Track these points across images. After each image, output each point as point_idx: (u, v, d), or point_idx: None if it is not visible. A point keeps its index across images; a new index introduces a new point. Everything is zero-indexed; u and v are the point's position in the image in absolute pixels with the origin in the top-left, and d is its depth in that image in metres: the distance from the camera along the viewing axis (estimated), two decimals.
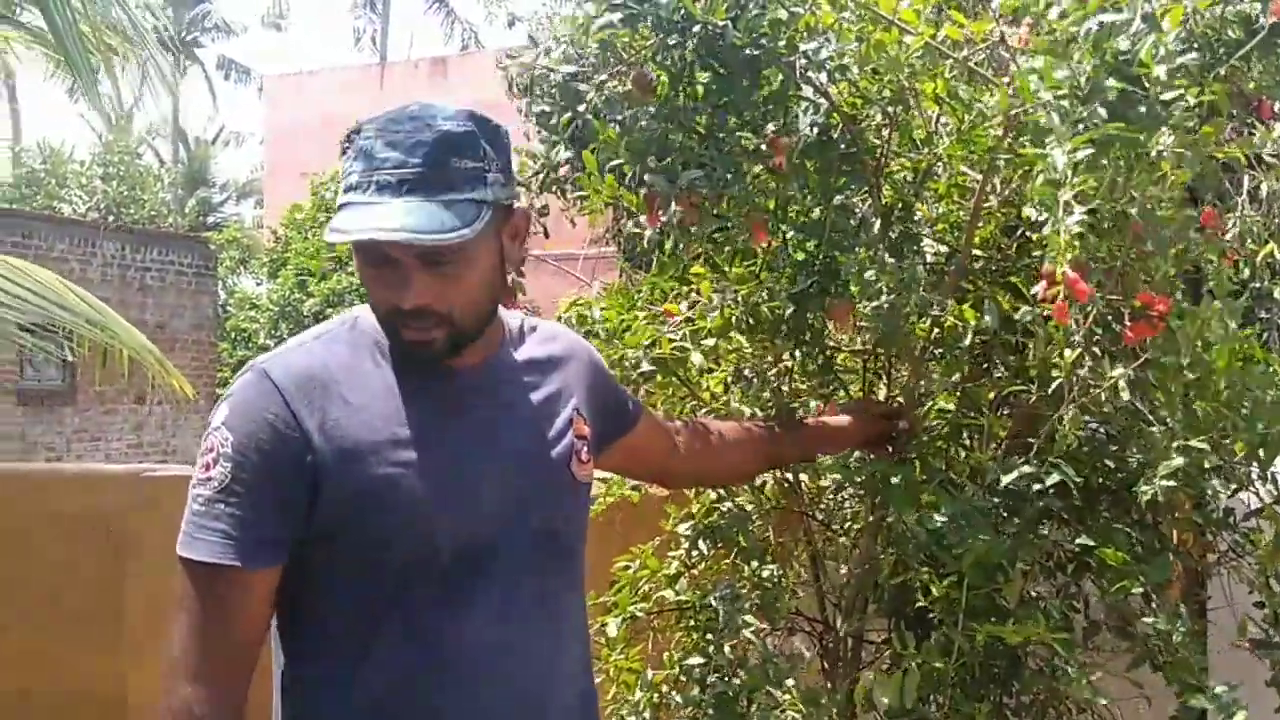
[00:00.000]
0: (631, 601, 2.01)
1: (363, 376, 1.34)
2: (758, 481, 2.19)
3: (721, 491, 2.11)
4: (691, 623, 1.99)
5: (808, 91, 1.87)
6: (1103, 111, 1.36)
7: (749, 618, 1.82)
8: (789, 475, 2.14)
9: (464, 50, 25.10)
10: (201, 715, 1.28)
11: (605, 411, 1.58)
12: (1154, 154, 1.38)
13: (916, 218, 2.06)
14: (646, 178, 1.71)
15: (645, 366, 2.06)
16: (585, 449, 1.48)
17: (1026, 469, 1.61)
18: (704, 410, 2.16)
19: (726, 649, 1.86)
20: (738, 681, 1.80)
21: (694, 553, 2.02)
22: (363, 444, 1.30)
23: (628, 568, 2.07)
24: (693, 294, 2.18)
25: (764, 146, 1.77)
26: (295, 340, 1.41)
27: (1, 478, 3.93)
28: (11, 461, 11.27)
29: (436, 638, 1.32)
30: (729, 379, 2.32)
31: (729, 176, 1.72)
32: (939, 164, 2.01)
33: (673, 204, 1.72)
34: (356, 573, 1.32)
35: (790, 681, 1.76)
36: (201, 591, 1.29)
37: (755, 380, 2.13)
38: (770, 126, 1.76)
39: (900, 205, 2.09)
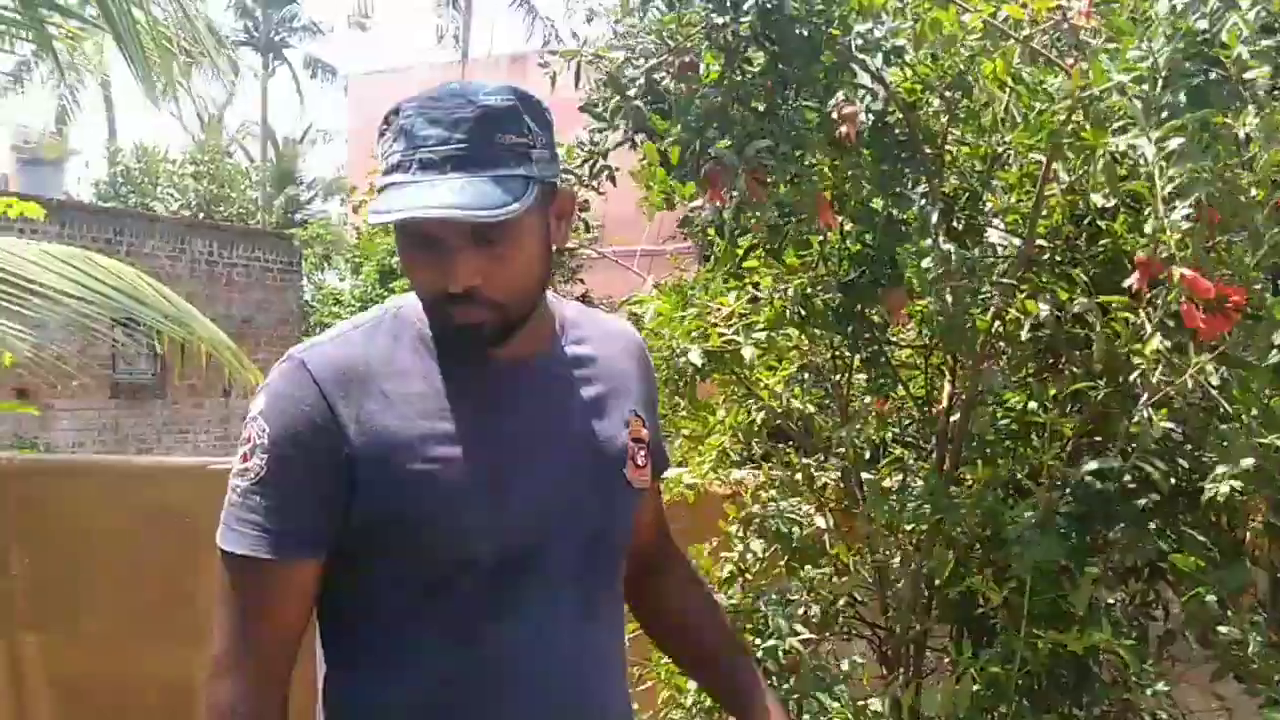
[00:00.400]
0: None
1: (403, 368, 1.30)
2: (819, 482, 2.13)
3: (774, 493, 2.05)
4: (748, 627, 1.94)
5: (864, 78, 1.80)
6: (1182, 97, 1.27)
7: (798, 625, 1.76)
8: (850, 476, 2.07)
9: (545, 46, 25.22)
10: (241, 711, 1.26)
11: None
12: (1242, 136, 1.29)
13: (986, 208, 1.98)
14: (711, 150, 1.63)
15: (695, 359, 2.01)
16: (643, 453, 1.40)
17: (1094, 464, 1.52)
18: (760, 408, 2.10)
19: (780, 654, 1.80)
20: (787, 687, 1.73)
21: (748, 554, 1.97)
22: (399, 437, 1.26)
23: None
24: (749, 287, 2.13)
25: (833, 116, 1.68)
26: (335, 329, 1.36)
27: (82, 470, 4.03)
28: (105, 453, 11.62)
29: (474, 642, 1.28)
30: (790, 376, 2.27)
31: (794, 152, 1.64)
32: (1009, 151, 1.94)
33: (738, 178, 1.64)
34: (393, 571, 1.29)
35: (841, 688, 1.70)
36: (238, 585, 1.27)
37: (811, 376, 2.06)
38: (840, 94, 1.67)
39: (967, 195, 2.01)
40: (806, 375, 2.21)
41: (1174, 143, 1.26)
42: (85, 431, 12.32)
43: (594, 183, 1.94)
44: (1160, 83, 1.29)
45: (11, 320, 3.86)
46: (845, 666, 1.83)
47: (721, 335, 2.03)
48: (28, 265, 3.97)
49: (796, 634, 1.75)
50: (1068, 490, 1.62)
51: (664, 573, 1.55)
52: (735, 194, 1.65)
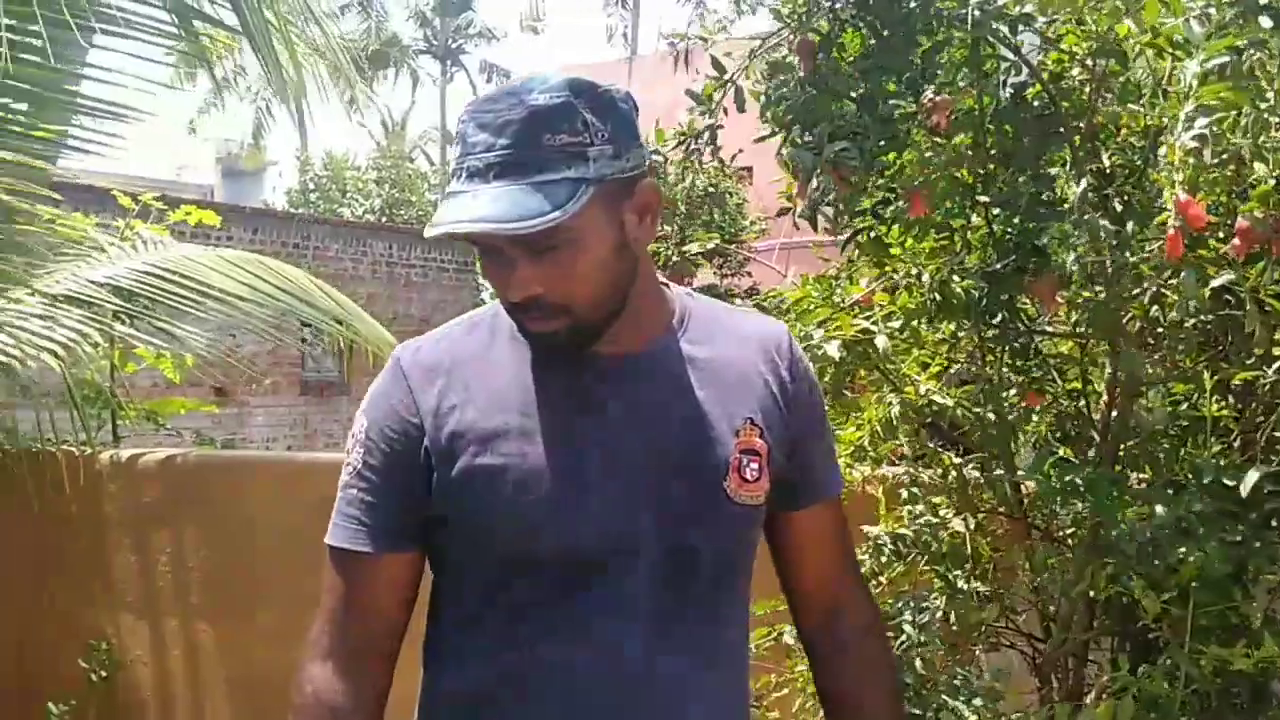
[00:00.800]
0: None
1: (494, 364, 1.27)
2: (966, 482, 2.00)
3: (915, 490, 1.94)
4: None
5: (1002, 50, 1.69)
6: (1266, 21, 1.13)
7: (931, 635, 1.64)
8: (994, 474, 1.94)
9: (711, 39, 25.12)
10: (329, 700, 1.25)
11: (791, 448, 1.31)
12: None
13: (1150, 187, 1.83)
14: (785, 151, 1.57)
15: (833, 352, 1.92)
16: (756, 466, 1.26)
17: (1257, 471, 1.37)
18: (897, 402, 1.99)
19: (918, 664, 1.70)
20: (925, 693, 1.63)
21: (882, 558, 1.86)
22: (474, 430, 1.23)
23: None
24: (890, 275, 2.03)
25: (924, 105, 1.59)
26: (445, 326, 1.36)
27: (254, 464, 4.19)
28: (294, 448, 12.19)
29: (529, 653, 1.23)
30: (940, 369, 2.16)
31: (881, 145, 1.55)
32: (1173, 123, 1.78)
33: (816, 178, 1.57)
34: (461, 572, 1.28)
35: (979, 701, 1.59)
36: (336, 575, 1.29)
37: (959, 368, 1.94)
38: (929, 90, 1.58)
39: (1129, 173, 1.87)
40: (952, 367, 2.10)
41: (1215, 62, 1.12)
42: (277, 427, 12.96)
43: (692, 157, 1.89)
44: (1229, 4, 1.15)
45: (191, 323, 4.07)
46: (987, 677, 1.71)
47: (855, 326, 1.94)
48: (206, 271, 4.17)
49: (925, 644, 1.64)
50: (1216, 489, 1.46)
51: (842, 647, 1.38)
52: (815, 189, 1.58)
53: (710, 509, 1.25)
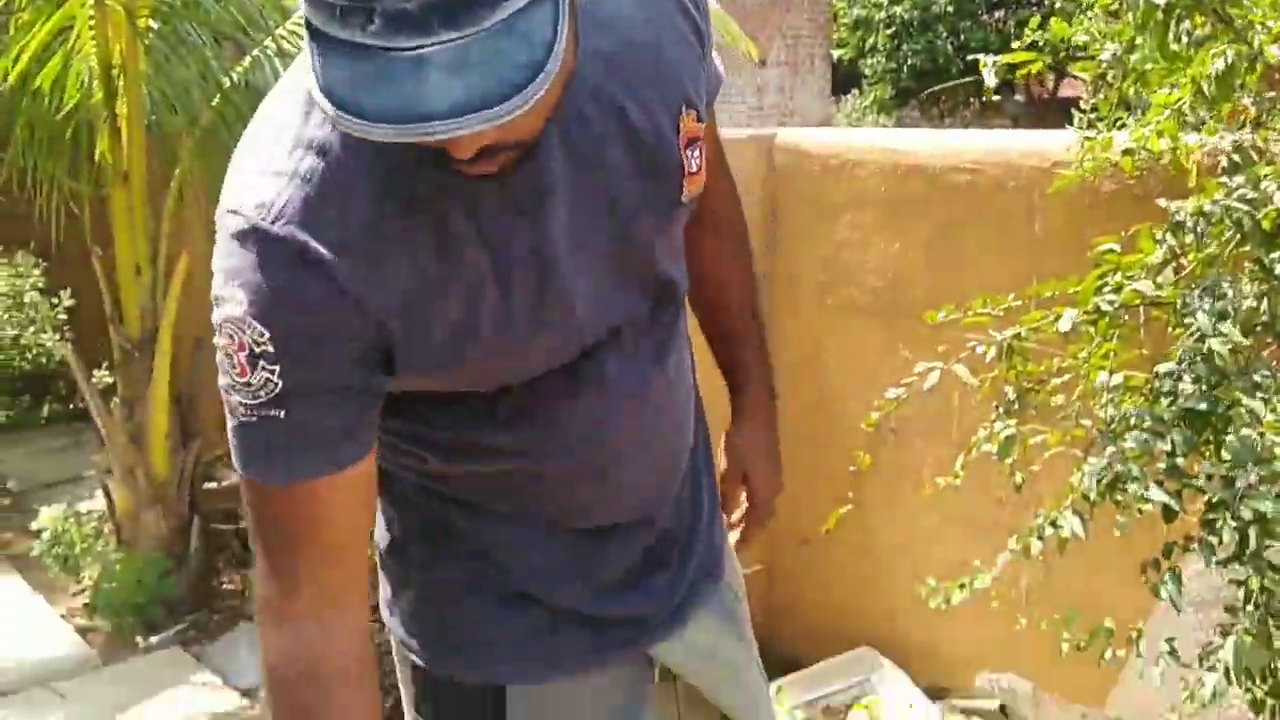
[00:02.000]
0: (1099, 291, 1.67)
1: (401, 199, 0.95)
2: None
3: (1236, 158, 1.65)
4: (1186, 321, 1.63)
5: None
6: None
7: (1225, 325, 1.43)
8: None
9: None
10: (326, 670, 1.03)
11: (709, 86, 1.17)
12: None
13: None
14: None
15: None
16: (697, 153, 1.10)
17: None
18: (1233, 55, 1.67)
19: (1219, 357, 1.50)
20: (1217, 393, 1.45)
21: (1186, 238, 1.62)
22: (434, 302, 0.99)
23: (1111, 250, 1.71)
24: None
25: None
26: (288, 159, 0.95)
27: None
28: None
29: (560, 427, 1.13)
30: None
31: None
32: None
33: None
34: (470, 392, 1.10)
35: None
36: (285, 513, 1.01)
37: None
38: None
39: None
40: None
41: None
42: None
43: None
44: None
45: None
46: None
47: None
48: None
49: (1222, 334, 1.43)
50: None
51: (696, 218, 1.23)
52: None
53: (673, 224, 1.14)
